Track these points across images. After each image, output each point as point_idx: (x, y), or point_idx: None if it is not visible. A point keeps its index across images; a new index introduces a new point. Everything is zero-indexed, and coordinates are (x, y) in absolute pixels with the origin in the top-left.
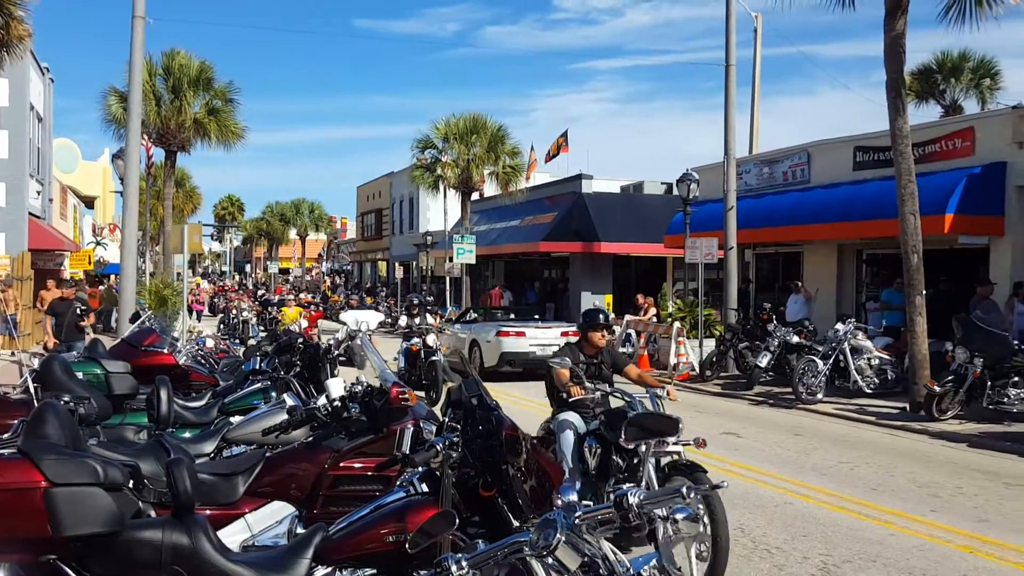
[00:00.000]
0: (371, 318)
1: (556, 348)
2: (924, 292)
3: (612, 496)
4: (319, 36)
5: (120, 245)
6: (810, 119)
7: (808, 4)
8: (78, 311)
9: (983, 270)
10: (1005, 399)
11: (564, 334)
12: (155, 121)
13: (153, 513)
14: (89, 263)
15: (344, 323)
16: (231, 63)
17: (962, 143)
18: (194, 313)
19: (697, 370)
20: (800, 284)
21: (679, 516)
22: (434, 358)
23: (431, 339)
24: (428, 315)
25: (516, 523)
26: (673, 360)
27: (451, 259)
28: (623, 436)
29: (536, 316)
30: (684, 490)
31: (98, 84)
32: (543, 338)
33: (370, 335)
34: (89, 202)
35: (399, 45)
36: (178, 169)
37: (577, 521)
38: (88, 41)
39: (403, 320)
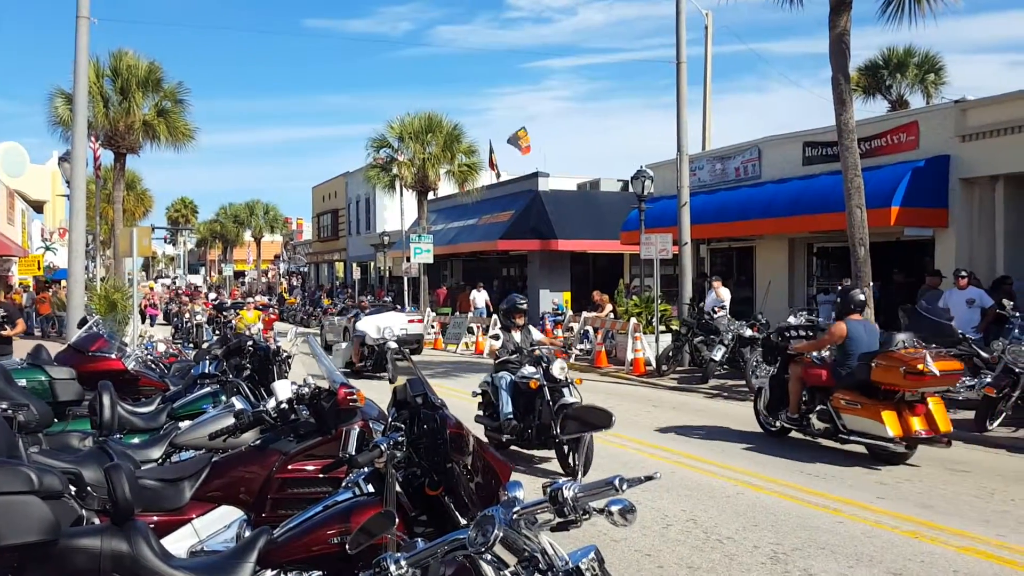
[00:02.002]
0: (394, 322)
1: (404, 333)
2: (872, 283)
3: (547, 491)
4: (270, 35)
5: (68, 249)
6: (762, 116)
7: (758, 2)
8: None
9: (928, 262)
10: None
11: (410, 321)
12: (103, 123)
13: (97, 521)
14: (39, 268)
15: (362, 333)
16: (181, 64)
17: (907, 137)
18: (147, 318)
19: (653, 365)
20: (710, 280)
21: (614, 508)
22: (567, 400)
23: (557, 368)
24: (532, 329)
25: (464, 521)
26: (630, 356)
27: (409, 259)
28: (559, 430)
29: (397, 307)
30: (617, 482)
31: (47, 86)
32: (392, 324)
33: (399, 353)
34: (38, 206)
35: (352, 44)
36: (129, 171)
37: (515, 516)
38: (35, 42)
39: (495, 333)
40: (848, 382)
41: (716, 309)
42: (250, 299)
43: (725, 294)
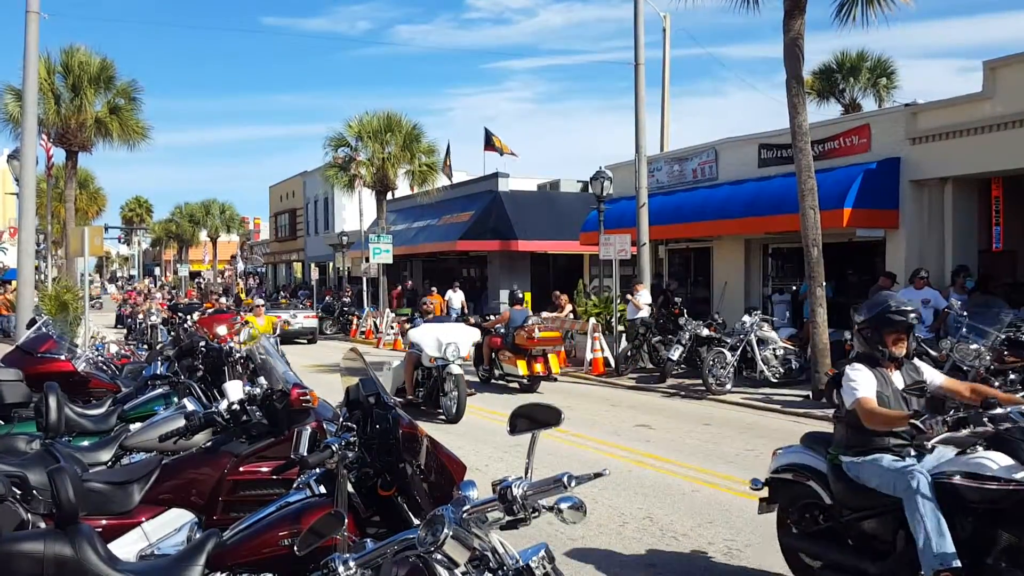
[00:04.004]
0: (461, 338)
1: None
2: (825, 284)
3: (496, 489)
4: (226, 33)
5: (18, 249)
6: (718, 118)
7: (715, 6)
8: None
9: (880, 262)
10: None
11: (307, 316)
12: (54, 120)
13: (43, 525)
14: None
15: (417, 347)
16: (135, 61)
17: (859, 139)
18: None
19: (612, 364)
20: (636, 288)
21: (564, 506)
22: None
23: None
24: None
25: (417, 521)
26: (589, 356)
27: (368, 259)
28: (510, 427)
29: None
30: (566, 479)
31: None
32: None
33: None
34: None
35: (310, 42)
36: (81, 170)
37: (465, 515)
38: None
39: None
40: (507, 345)
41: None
42: (248, 303)
43: (643, 298)
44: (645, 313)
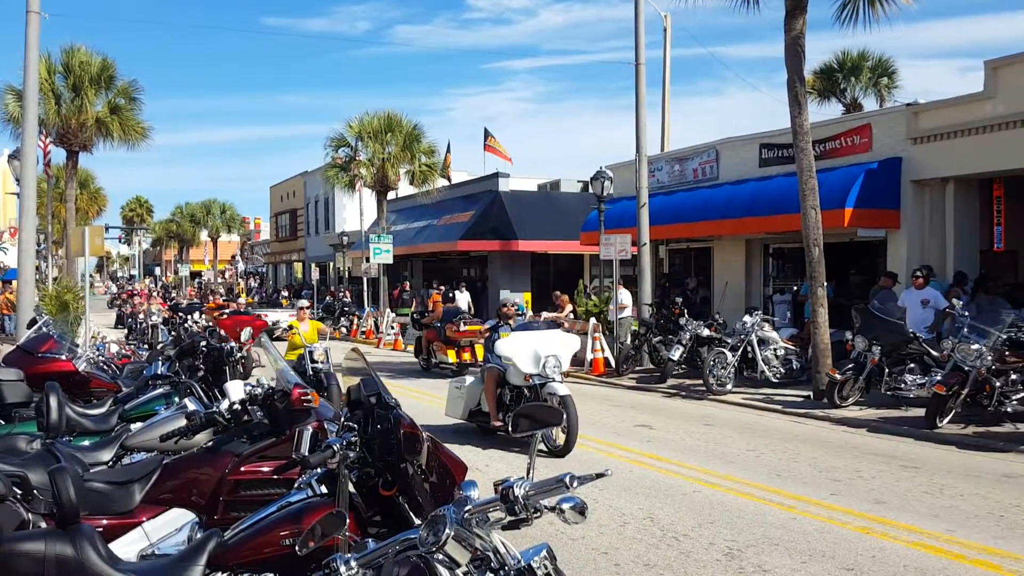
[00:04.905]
0: (561, 349)
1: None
2: (826, 283)
3: (498, 489)
4: (226, 33)
5: (19, 249)
6: (719, 118)
7: (716, 6)
8: None
9: (881, 262)
10: (902, 385)
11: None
12: (55, 120)
13: (44, 525)
14: None
15: (503, 362)
16: (136, 61)
17: (860, 139)
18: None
19: (613, 364)
20: (618, 287)
21: (566, 506)
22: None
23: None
24: None
25: (418, 521)
26: (589, 356)
27: (368, 259)
28: (512, 427)
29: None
30: (568, 480)
31: None
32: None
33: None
34: None
35: (311, 42)
36: (82, 170)
37: (466, 515)
38: None
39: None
40: (441, 337)
41: (619, 307)
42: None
43: (625, 298)
44: (628, 313)
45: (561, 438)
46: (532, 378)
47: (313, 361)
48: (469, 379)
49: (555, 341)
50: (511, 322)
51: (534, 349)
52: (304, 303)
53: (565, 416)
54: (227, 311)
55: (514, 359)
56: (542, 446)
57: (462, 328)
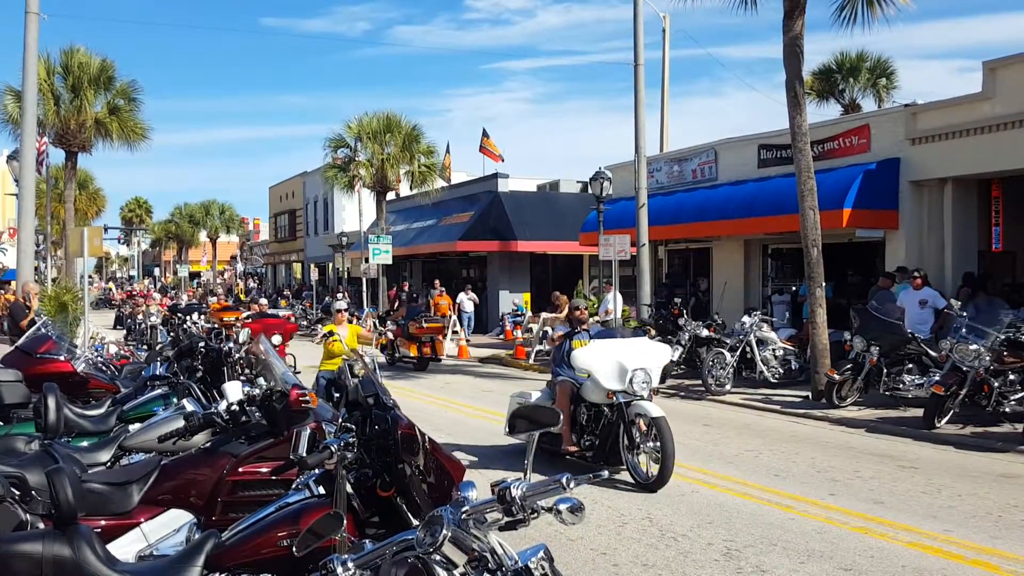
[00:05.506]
0: (652, 360)
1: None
2: (824, 284)
3: (495, 490)
4: (226, 33)
5: (17, 250)
6: (718, 119)
7: (714, 6)
8: None
9: (879, 263)
10: (900, 385)
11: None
12: (54, 121)
13: (42, 525)
14: None
15: (582, 372)
16: (135, 62)
17: (859, 140)
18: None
19: None
20: (606, 288)
21: (563, 507)
22: None
23: None
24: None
25: (416, 522)
26: None
27: (367, 260)
28: (508, 428)
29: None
30: (565, 480)
31: None
32: (647, 360)
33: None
34: None
35: (309, 43)
36: (81, 170)
37: (464, 516)
38: None
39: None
40: (404, 333)
41: (608, 310)
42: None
43: (614, 302)
44: (618, 316)
45: (654, 469)
46: (616, 395)
47: (353, 375)
48: (536, 394)
49: (643, 351)
50: (586, 328)
51: (618, 361)
52: (341, 304)
53: (661, 444)
54: (250, 313)
55: (594, 372)
56: (628, 478)
57: (423, 325)
